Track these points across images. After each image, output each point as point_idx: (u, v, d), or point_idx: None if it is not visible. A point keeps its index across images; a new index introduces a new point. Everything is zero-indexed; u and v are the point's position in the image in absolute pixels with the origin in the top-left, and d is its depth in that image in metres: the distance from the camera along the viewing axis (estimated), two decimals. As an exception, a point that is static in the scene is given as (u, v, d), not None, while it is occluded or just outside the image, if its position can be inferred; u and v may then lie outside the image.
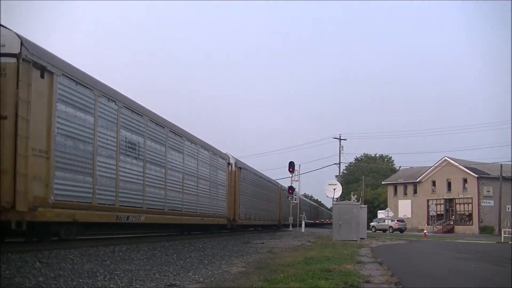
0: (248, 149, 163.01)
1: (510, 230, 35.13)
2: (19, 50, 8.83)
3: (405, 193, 68.11)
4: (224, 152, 23.76)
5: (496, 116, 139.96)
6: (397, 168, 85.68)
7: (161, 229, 18.15)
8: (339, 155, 54.76)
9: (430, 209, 64.12)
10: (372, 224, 54.68)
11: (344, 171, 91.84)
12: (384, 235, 39.60)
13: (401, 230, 52.50)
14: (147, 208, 13.84)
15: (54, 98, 9.74)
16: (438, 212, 63.18)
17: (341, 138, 55.23)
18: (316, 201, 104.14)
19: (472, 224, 57.70)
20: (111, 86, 12.56)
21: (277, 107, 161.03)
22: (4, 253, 7.94)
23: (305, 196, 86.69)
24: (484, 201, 57.25)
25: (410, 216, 64.69)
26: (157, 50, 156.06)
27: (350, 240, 22.07)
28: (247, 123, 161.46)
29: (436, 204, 63.56)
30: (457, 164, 60.01)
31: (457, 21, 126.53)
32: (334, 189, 30.67)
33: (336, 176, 54.39)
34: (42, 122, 9.42)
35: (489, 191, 56.86)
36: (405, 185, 68.31)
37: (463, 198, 59.69)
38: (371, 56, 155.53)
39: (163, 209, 15.19)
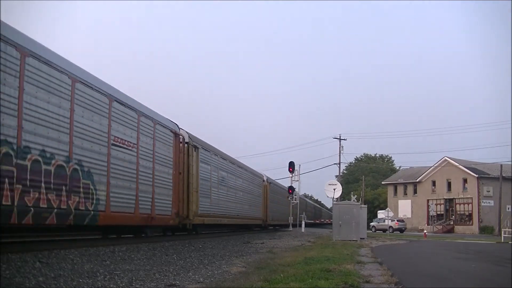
0: (248, 149, 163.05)
1: (510, 230, 35.14)
2: (188, 140, 17.86)
3: (405, 193, 68.12)
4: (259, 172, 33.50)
5: (496, 116, 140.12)
6: (397, 168, 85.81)
7: (230, 228, 26.52)
8: (339, 155, 54.84)
9: (430, 209, 64.14)
10: (372, 224, 54.69)
11: (344, 171, 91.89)
12: (384, 235, 39.60)
13: (401, 230, 52.51)
14: (229, 215, 23.41)
15: (199, 160, 18.70)
16: (438, 212, 63.20)
17: (341, 138, 55.32)
18: (316, 201, 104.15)
19: (472, 224, 57.71)
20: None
21: (277, 107, 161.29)
22: (4, 253, 7.94)
23: (305, 196, 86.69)
24: (484, 201, 57.27)
25: (410, 216, 64.71)
26: (157, 50, 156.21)
27: (350, 240, 22.07)
28: (247, 123, 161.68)
29: (436, 204, 63.57)
30: (457, 164, 60.02)
31: (457, 21, 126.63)
32: (334, 189, 30.67)
33: (336, 176, 54.43)
34: (196, 174, 18.36)
35: (489, 191, 56.88)
36: (405, 185, 68.32)
37: (463, 198, 59.70)
38: (371, 56, 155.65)
39: (237, 215, 25.34)
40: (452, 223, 60.24)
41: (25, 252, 8.52)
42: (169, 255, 10.97)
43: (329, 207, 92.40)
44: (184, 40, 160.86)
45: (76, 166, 10.46)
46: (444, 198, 62.23)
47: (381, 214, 58.50)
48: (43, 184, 9.20)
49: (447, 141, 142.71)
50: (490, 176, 56.65)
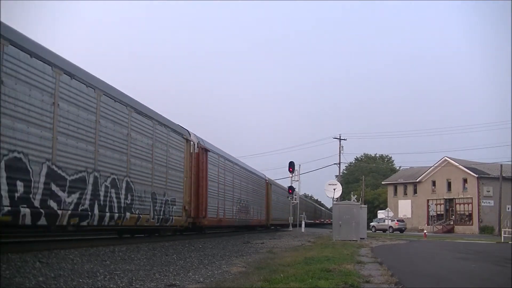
0: (248, 149, 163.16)
1: (510, 230, 35.15)
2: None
3: (405, 193, 68.13)
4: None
5: (496, 116, 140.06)
6: (397, 168, 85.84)
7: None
8: (339, 155, 54.86)
9: (430, 209, 64.15)
10: (372, 224, 54.68)
11: (344, 171, 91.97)
12: (384, 235, 39.59)
13: (401, 230, 52.50)
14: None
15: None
16: (438, 212, 63.20)
17: (341, 138, 55.34)
18: (316, 201, 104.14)
19: (472, 224, 57.72)
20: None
21: (277, 107, 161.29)
22: (4, 253, 7.94)
23: (305, 196, 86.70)
24: (484, 201, 57.27)
25: (410, 216, 64.72)
26: (157, 49, 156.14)
27: (350, 240, 22.06)
28: (247, 123, 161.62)
29: (436, 204, 63.57)
30: (457, 164, 60.02)
31: (457, 21, 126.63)
32: (334, 189, 30.66)
33: (336, 176, 54.45)
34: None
35: (489, 191, 56.88)
36: (405, 185, 68.32)
37: (463, 198, 59.71)
38: (371, 56, 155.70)
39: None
40: (452, 223, 60.24)
41: (25, 252, 8.52)
42: (169, 255, 10.97)
43: (329, 207, 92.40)
44: (183, 40, 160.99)
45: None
46: (444, 198, 62.23)
47: (381, 214, 58.49)
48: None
49: (447, 141, 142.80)
50: (490, 176, 56.65)
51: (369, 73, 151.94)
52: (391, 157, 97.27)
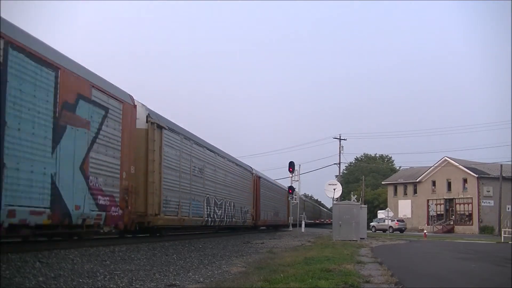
0: (248, 148, 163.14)
1: (510, 230, 35.14)
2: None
3: (405, 193, 68.13)
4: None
5: (496, 116, 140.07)
6: (397, 168, 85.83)
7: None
8: (339, 155, 54.85)
9: (430, 209, 64.14)
10: (372, 224, 54.68)
11: (344, 171, 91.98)
12: (384, 235, 39.59)
13: (401, 230, 52.50)
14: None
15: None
16: (438, 212, 63.19)
17: (341, 138, 55.34)
18: (316, 201, 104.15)
19: (472, 224, 57.70)
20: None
21: (277, 107, 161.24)
22: (4, 253, 7.94)
23: (305, 196, 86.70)
24: (484, 201, 57.26)
25: (410, 216, 64.71)
26: (157, 49, 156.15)
27: (350, 240, 22.07)
28: (247, 123, 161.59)
29: (436, 204, 63.56)
30: (457, 164, 60.03)
31: (457, 21, 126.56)
32: (334, 189, 30.66)
33: (336, 176, 54.44)
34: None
35: (489, 191, 56.87)
36: (405, 185, 68.32)
37: (463, 198, 59.70)
38: (371, 56, 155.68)
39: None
40: (452, 223, 60.22)
41: (25, 252, 8.51)
42: (169, 255, 10.97)
43: (329, 207, 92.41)
44: (183, 40, 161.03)
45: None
46: (444, 198, 62.22)
47: (381, 214, 58.49)
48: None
49: (447, 141, 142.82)
50: (490, 176, 56.65)
51: (369, 73, 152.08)
52: (391, 157, 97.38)
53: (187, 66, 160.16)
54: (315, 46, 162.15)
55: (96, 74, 11.30)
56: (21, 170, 8.22)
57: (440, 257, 15.27)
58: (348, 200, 29.25)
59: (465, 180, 59.68)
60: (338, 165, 55.31)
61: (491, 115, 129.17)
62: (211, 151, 20.52)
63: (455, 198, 60.71)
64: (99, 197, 10.92)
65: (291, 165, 37.76)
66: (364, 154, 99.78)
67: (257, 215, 29.41)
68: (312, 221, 60.33)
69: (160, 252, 11.45)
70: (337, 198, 32.07)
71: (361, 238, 24.04)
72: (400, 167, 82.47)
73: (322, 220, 73.87)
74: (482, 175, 57.37)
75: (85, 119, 10.39)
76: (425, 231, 44.79)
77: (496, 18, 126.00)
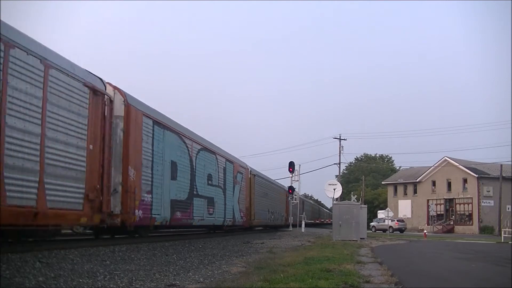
0: (247, 148, 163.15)
1: (510, 230, 35.14)
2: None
3: (405, 193, 68.14)
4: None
5: (496, 116, 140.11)
6: (397, 168, 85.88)
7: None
8: (339, 155, 54.91)
9: (430, 209, 64.16)
10: (372, 224, 54.71)
11: (344, 171, 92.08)
12: (384, 235, 39.60)
13: (401, 230, 52.52)
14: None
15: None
16: (438, 212, 63.21)
17: (341, 138, 55.39)
18: (316, 201, 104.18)
19: (472, 224, 57.72)
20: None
21: (277, 107, 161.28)
22: (4, 253, 7.94)
23: (305, 196, 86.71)
24: (484, 201, 57.28)
25: (410, 216, 64.74)
26: (157, 49, 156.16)
27: (350, 240, 22.06)
28: (247, 123, 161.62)
29: (436, 204, 63.58)
30: (457, 164, 60.04)
31: (457, 21, 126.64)
32: (334, 189, 30.68)
33: (336, 176, 54.52)
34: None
35: (489, 191, 56.89)
36: (405, 185, 68.33)
37: (463, 198, 59.71)
38: (371, 56, 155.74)
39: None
40: (452, 223, 60.24)
41: (25, 252, 8.51)
42: (169, 255, 10.97)
43: (329, 207, 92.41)
44: (183, 40, 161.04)
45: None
46: (444, 198, 62.24)
47: (381, 214, 58.52)
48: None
49: (447, 141, 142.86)
50: (490, 176, 56.66)
51: (369, 73, 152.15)
52: (391, 157, 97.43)
53: (187, 66, 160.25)
54: (316, 46, 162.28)
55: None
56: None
57: (440, 257, 15.27)
58: (348, 200, 29.24)
59: (465, 180, 59.69)
60: (338, 165, 55.40)
61: (491, 115, 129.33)
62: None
63: (455, 198, 60.73)
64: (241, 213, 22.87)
65: (291, 165, 37.86)
66: (364, 154, 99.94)
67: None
68: (312, 221, 60.33)
69: (160, 252, 11.44)
70: (337, 198, 32.08)
71: (361, 238, 24.04)
72: (400, 167, 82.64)
73: (322, 220, 73.85)
74: (482, 175, 57.38)
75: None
76: (425, 231, 44.80)
77: (496, 18, 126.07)
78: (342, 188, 34.13)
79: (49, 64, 9.44)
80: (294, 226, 39.76)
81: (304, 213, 43.92)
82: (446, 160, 61.98)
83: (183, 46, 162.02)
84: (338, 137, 55.34)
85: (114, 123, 12.14)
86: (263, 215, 30.89)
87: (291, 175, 38.66)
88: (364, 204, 42.86)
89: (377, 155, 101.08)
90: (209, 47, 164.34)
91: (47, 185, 9.19)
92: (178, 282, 7.23)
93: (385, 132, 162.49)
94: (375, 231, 51.49)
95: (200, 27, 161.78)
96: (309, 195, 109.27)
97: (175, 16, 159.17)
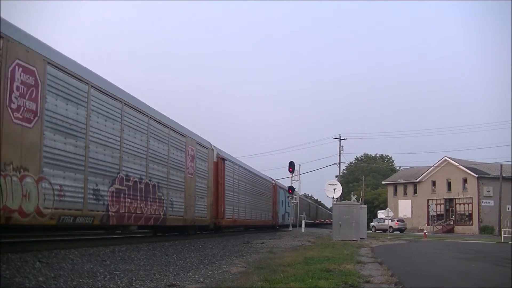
0: (247, 148, 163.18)
1: (510, 230, 35.14)
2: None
3: (405, 193, 68.14)
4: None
5: (496, 116, 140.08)
6: (397, 168, 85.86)
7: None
8: (339, 155, 54.89)
9: (430, 209, 64.15)
10: (372, 224, 54.71)
11: (344, 171, 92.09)
12: (384, 235, 39.61)
13: (401, 230, 52.53)
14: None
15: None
16: (438, 212, 63.20)
17: (341, 138, 55.38)
18: (316, 201, 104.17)
19: (472, 224, 57.71)
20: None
21: (277, 107, 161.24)
22: (4, 253, 7.94)
23: (305, 196, 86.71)
24: (484, 201, 57.27)
25: (410, 216, 64.73)
26: (157, 49, 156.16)
27: (350, 240, 22.07)
28: (247, 122, 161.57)
29: (436, 204, 63.57)
30: (457, 164, 60.03)
31: (457, 21, 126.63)
32: (334, 189, 30.69)
33: (336, 176, 54.51)
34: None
35: (489, 191, 56.89)
36: (405, 185, 68.33)
37: (463, 198, 59.71)
38: (371, 56, 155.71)
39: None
40: (452, 223, 60.24)
41: (25, 252, 8.52)
42: (169, 255, 10.97)
43: (329, 207, 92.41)
44: (183, 40, 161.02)
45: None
46: (444, 198, 62.24)
47: (381, 214, 58.52)
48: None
49: (447, 141, 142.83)
50: (490, 176, 56.66)
51: (369, 73, 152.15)
52: (391, 157, 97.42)
53: (187, 66, 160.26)
54: (315, 46, 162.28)
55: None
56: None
57: (440, 257, 15.27)
58: (348, 200, 29.24)
59: (465, 180, 59.68)
60: (338, 165, 55.38)
61: (491, 115, 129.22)
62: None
63: (455, 198, 60.72)
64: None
65: (291, 165, 37.89)
66: (364, 154, 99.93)
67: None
68: (312, 221, 60.31)
69: (160, 252, 11.45)
70: (337, 198, 32.09)
71: (361, 238, 24.04)
72: (400, 167, 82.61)
73: (322, 220, 73.79)
74: (482, 175, 57.38)
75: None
76: (425, 231, 44.79)
77: (496, 18, 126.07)
78: (342, 188, 34.13)
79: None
80: (294, 226, 39.79)
81: (304, 213, 43.96)
82: (446, 160, 61.97)
83: (183, 46, 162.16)
84: (338, 137, 55.35)
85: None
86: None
87: (291, 175, 38.69)
88: (364, 204, 42.87)
89: (377, 155, 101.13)
90: (209, 47, 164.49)
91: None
92: (178, 282, 7.23)
93: (385, 132, 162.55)
94: (375, 231, 51.49)
95: (200, 27, 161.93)
96: (309, 195, 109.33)
97: (175, 16, 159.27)
